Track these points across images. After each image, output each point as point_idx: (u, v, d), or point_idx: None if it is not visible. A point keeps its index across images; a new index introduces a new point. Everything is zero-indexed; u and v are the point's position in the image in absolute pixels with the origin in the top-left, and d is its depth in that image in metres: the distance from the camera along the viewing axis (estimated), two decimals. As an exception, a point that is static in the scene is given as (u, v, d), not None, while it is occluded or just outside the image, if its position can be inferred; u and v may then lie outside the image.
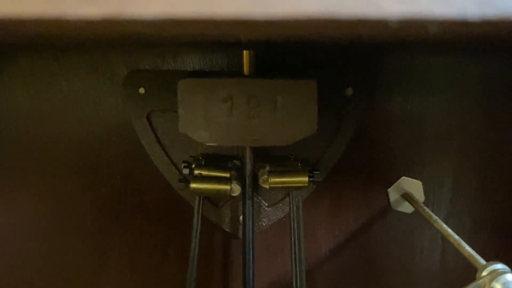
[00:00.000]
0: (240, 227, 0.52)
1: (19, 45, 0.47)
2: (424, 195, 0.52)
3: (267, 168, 0.43)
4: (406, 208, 0.53)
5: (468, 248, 0.39)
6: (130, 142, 0.50)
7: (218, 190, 0.42)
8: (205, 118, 0.37)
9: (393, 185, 0.52)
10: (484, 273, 0.35)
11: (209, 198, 0.50)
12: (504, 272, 0.34)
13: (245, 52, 0.40)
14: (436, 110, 0.51)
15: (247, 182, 0.45)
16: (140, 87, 0.48)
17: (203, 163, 0.45)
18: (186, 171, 0.45)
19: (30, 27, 0.14)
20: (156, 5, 0.15)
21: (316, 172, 0.42)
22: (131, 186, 0.51)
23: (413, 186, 0.52)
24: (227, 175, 0.44)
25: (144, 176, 0.51)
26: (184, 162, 0.46)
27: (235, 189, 0.42)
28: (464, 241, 0.41)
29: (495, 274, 0.34)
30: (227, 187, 0.42)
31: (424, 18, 0.15)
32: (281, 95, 0.36)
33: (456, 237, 0.42)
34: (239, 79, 0.37)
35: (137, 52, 0.48)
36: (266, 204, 0.51)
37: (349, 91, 0.48)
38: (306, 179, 0.41)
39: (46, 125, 0.49)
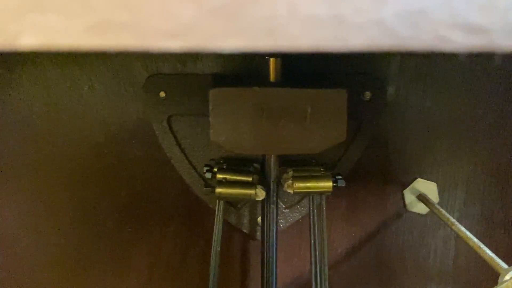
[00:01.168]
0: (258, 229, 0.52)
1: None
2: (438, 196, 0.53)
3: (291, 173, 0.43)
4: (421, 209, 0.54)
5: (488, 252, 0.40)
6: (150, 146, 0.50)
7: (243, 195, 0.43)
8: (235, 127, 0.38)
9: (409, 187, 0.53)
10: (507, 277, 0.36)
11: (229, 201, 0.51)
12: (528, 277, 0.34)
13: (271, 59, 0.40)
14: (450, 113, 0.52)
15: (272, 188, 0.45)
16: (160, 91, 0.48)
17: (225, 167, 0.46)
18: (208, 175, 0.45)
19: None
20: (237, 40, 0.15)
21: (339, 177, 0.42)
22: (151, 189, 0.52)
23: (428, 187, 0.53)
24: (250, 179, 0.44)
25: (164, 180, 0.51)
26: (206, 166, 0.46)
27: (260, 194, 0.43)
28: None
29: (519, 279, 0.35)
30: (252, 192, 0.43)
31: (493, 50, 0.16)
32: (310, 105, 0.37)
33: (475, 240, 0.42)
34: (269, 89, 0.37)
35: (158, 56, 0.48)
36: (284, 206, 0.52)
37: (367, 95, 0.49)
38: (331, 184, 0.42)
39: (67, 129, 0.49)
